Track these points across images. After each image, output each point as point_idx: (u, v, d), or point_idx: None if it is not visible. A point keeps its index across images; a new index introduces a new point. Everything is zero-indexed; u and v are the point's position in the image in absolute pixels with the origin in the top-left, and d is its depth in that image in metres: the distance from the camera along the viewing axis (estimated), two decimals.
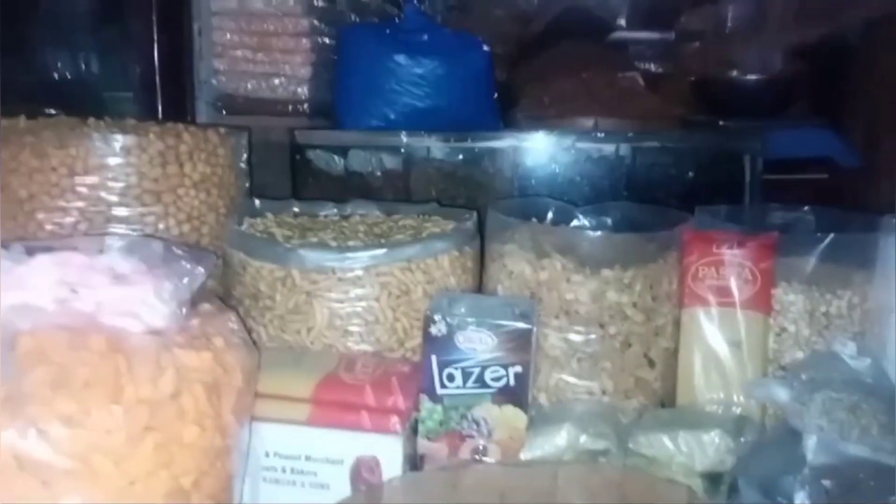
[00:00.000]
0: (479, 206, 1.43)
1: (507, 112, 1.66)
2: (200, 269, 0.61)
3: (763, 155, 1.47)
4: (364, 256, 0.78)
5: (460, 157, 1.44)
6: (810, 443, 0.66)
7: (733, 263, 0.79)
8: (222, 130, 0.91)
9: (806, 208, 0.92)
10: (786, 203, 0.95)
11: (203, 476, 0.53)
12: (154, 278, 0.54)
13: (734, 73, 1.95)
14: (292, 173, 1.44)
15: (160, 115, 1.38)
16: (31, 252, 0.57)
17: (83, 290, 0.52)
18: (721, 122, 1.71)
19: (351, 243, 0.84)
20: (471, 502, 0.67)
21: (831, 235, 0.78)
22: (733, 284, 0.78)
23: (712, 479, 0.69)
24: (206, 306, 0.64)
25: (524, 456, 0.71)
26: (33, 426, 0.44)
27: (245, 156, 0.94)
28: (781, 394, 0.72)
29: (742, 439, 0.70)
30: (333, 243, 0.84)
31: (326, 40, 1.47)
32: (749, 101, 1.81)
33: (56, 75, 1.35)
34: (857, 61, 1.87)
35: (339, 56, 1.44)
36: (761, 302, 0.78)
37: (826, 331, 0.78)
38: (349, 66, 1.40)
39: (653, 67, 2.42)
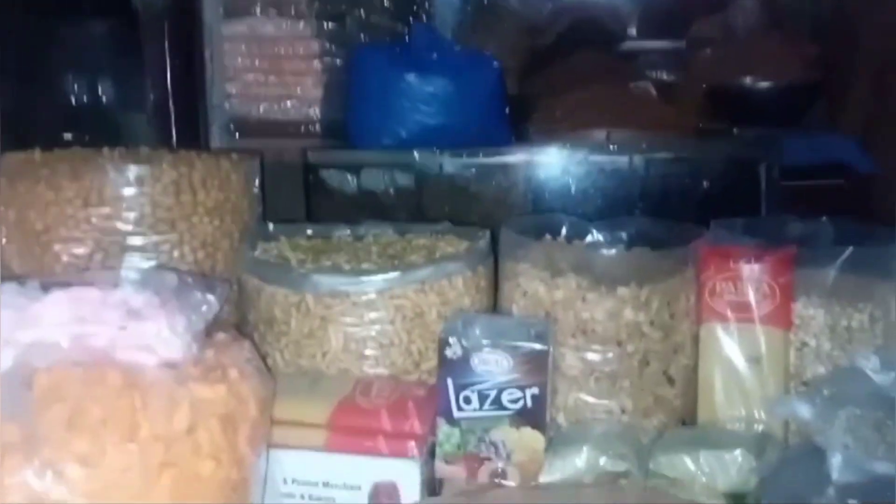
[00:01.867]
0: (493, 221, 1.43)
1: (519, 125, 1.66)
2: (214, 300, 0.61)
3: (778, 163, 1.46)
4: (378, 280, 0.78)
5: (473, 173, 1.45)
6: (835, 461, 0.65)
7: (751, 278, 0.77)
8: (234, 156, 0.92)
9: (824, 219, 0.90)
10: (803, 213, 0.94)
11: None
12: (168, 311, 0.54)
13: (747, 80, 1.94)
14: (306, 193, 1.45)
15: (174, 139, 1.40)
16: (46, 288, 0.57)
17: (97, 326, 0.52)
18: (735, 131, 1.69)
19: (364, 266, 0.84)
20: None
21: (850, 248, 0.76)
22: (752, 299, 0.77)
23: (736, 499, 0.68)
24: (220, 336, 0.64)
25: (543, 478, 0.71)
26: (50, 467, 0.44)
27: (258, 181, 0.94)
28: (804, 411, 0.70)
29: (765, 458, 0.69)
30: (347, 266, 0.85)
31: (337, 61, 1.48)
32: (763, 109, 1.80)
33: (72, 100, 1.37)
34: (869, 66, 1.85)
35: (350, 77, 1.45)
36: (781, 317, 0.77)
37: (848, 345, 0.77)
38: (360, 86, 1.41)
39: (665, 76, 2.41)
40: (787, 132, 1.63)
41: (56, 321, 0.53)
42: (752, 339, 0.77)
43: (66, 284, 0.57)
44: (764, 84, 1.87)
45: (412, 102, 1.39)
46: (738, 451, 0.69)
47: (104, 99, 1.41)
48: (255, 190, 0.94)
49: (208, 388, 0.52)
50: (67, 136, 1.25)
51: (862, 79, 1.88)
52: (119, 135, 1.41)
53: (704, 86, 1.96)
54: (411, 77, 1.37)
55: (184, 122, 1.40)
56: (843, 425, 0.67)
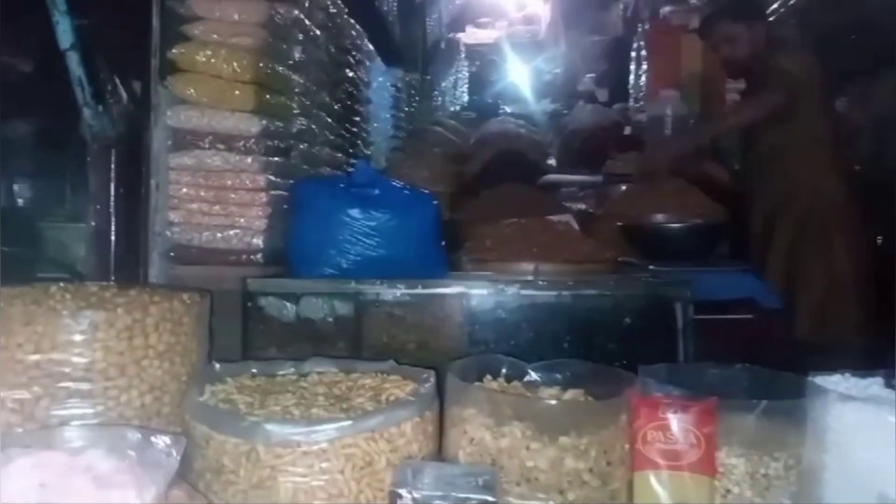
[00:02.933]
0: (430, 350, 1.47)
1: (451, 252, 1.73)
2: (174, 456, 0.62)
3: (693, 299, 1.57)
4: (330, 429, 0.80)
5: (410, 303, 1.49)
6: None
7: (679, 428, 0.84)
8: (186, 297, 0.93)
9: (738, 366, 0.99)
10: (716, 347, 1.02)
11: None
12: (134, 476, 0.55)
13: (659, 218, 2.11)
14: (244, 320, 1.45)
15: (112, 264, 1.39)
16: (4, 447, 0.57)
17: (63, 495, 0.53)
18: (651, 266, 1.82)
19: (314, 411, 0.86)
20: None
21: (764, 402, 0.84)
22: (680, 448, 0.83)
23: None
24: (176, 492, 0.64)
25: None
26: None
27: (208, 321, 0.95)
28: None
29: None
30: (296, 411, 0.86)
31: (281, 192, 1.53)
32: (674, 247, 1.94)
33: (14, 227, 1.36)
34: (782, 213, 2.06)
35: (293, 208, 1.49)
36: (707, 464, 0.83)
37: (767, 491, 0.83)
38: (304, 218, 1.45)
39: (583, 207, 2.59)
40: (698, 269, 1.77)
41: (19, 489, 0.52)
42: (681, 486, 0.83)
43: (26, 444, 0.57)
44: (675, 223, 2.03)
45: (354, 235, 1.45)
46: None
47: (44, 221, 1.41)
48: (205, 332, 0.95)
49: None
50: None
51: (766, 220, 2.09)
52: (57, 254, 1.41)
53: (620, 223, 2.11)
54: (355, 211, 1.43)
55: (124, 247, 1.40)
56: None
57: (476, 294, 1.52)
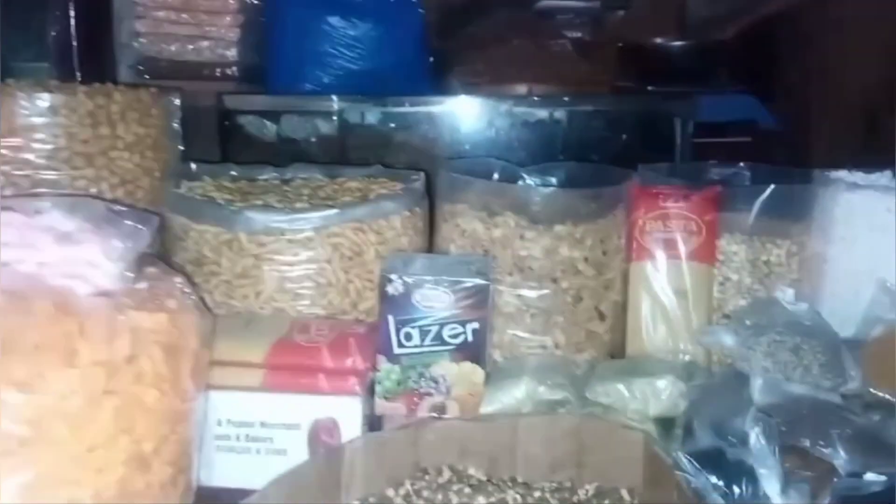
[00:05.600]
0: (419, 171, 1.42)
1: (441, 78, 1.65)
2: (145, 229, 0.58)
3: (692, 119, 1.51)
4: (314, 217, 0.76)
5: (397, 122, 1.43)
6: (757, 384, 0.69)
7: (679, 216, 0.81)
8: (153, 90, 0.86)
9: (741, 164, 0.95)
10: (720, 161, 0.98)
11: (163, 442, 0.50)
12: (100, 237, 0.51)
13: (659, 40, 2.00)
14: (221, 140, 1.39)
15: (78, 79, 1.30)
16: None
17: (23, 251, 0.49)
18: (650, 88, 1.74)
19: (298, 205, 0.82)
20: (432, 459, 0.66)
21: (771, 187, 0.80)
22: (679, 237, 0.81)
23: (665, 423, 0.71)
24: (152, 269, 0.60)
25: (483, 410, 0.72)
26: None
27: (178, 117, 0.89)
28: (728, 339, 0.75)
29: (692, 384, 0.72)
30: (279, 206, 0.82)
31: (255, 0, 1.41)
32: (674, 68, 1.86)
33: None
34: (782, 31, 1.92)
35: (268, 17, 1.39)
36: (706, 253, 0.80)
37: (766, 279, 0.81)
38: (280, 27, 1.35)
39: (580, 34, 2.45)
40: (698, 90, 1.69)
41: None
42: (678, 275, 0.80)
43: None
44: (675, 44, 1.93)
45: (335, 46, 1.36)
46: (668, 378, 0.72)
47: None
48: (176, 126, 0.89)
49: (148, 316, 0.50)
50: None
51: (775, 41, 1.95)
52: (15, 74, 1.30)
53: (619, 45, 2.00)
54: (334, 19, 1.33)
55: (89, 62, 1.30)
56: (764, 351, 0.72)
57: (467, 112, 1.45)
